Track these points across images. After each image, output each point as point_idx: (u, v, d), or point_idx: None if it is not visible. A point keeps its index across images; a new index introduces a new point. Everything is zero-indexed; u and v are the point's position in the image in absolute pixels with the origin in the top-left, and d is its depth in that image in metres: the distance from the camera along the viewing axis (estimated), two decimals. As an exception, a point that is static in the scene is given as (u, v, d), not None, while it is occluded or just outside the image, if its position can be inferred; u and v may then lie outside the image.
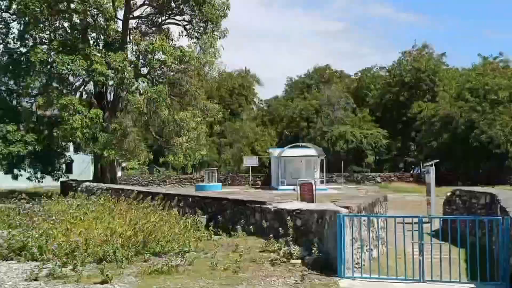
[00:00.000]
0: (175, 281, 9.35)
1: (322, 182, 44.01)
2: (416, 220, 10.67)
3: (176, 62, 31.77)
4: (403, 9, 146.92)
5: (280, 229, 12.12)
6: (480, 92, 49.02)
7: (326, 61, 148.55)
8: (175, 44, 35.11)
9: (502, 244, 9.30)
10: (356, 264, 10.64)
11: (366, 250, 11.26)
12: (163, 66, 32.87)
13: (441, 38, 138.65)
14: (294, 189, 27.95)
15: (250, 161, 51.98)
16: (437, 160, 27.58)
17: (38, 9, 30.15)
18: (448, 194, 20.27)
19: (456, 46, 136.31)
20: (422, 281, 9.51)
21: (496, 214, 12.47)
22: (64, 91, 33.36)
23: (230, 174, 58.88)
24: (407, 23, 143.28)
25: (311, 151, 47.69)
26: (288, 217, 12.01)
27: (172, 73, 33.84)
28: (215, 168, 51.87)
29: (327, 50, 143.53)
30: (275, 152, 49.77)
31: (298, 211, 12.07)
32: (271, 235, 12.08)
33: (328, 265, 10.23)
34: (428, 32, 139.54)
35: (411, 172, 60.31)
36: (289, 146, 48.97)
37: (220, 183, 46.67)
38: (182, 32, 36.31)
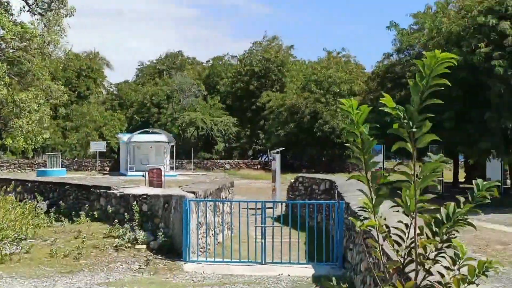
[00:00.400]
0: (8, 270, 8.73)
1: (172, 168, 43.88)
2: (261, 205, 10.98)
3: (17, 38, 29.56)
4: (255, 0, 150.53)
5: (126, 214, 11.82)
6: (325, 84, 51.67)
7: (180, 47, 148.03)
8: (15, 20, 32.60)
9: (337, 226, 9.88)
10: (202, 248, 10.71)
11: (212, 234, 11.38)
12: (1, 43, 30.41)
13: (291, 31, 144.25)
14: (143, 175, 27.49)
15: (97, 146, 50.25)
16: (283, 148, 28.64)
17: None
18: (292, 180, 21.18)
19: (304, 39, 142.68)
20: (263, 263, 9.81)
21: (334, 199, 13.24)
22: None
23: (76, 159, 56.38)
24: (258, 13, 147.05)
25: (161, 137, 47.23)
26: (134, 202, 11.75)
27: (12, 51, 31.44)
28: (60, 153, 49.36)
29: (181, 36, 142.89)
30: (124, 137, 48.58)
31: (144, 196, 11.85)
32: (116, 221, 11.74)
33: (173, 249, 10.19)
34: (278, 24, 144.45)
35: (259, 159, 62.15)
36: (138, 131, 48.04)
37: (65, 169, 44.57)
38: (24, 7, 33.81)
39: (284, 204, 16.60)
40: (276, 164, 22.91)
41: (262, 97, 58.58)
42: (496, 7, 20.33)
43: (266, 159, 57.72)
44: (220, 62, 73.63)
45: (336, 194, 13.20)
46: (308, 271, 9.57)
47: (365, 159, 2.81)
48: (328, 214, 11.21)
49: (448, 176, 31.56)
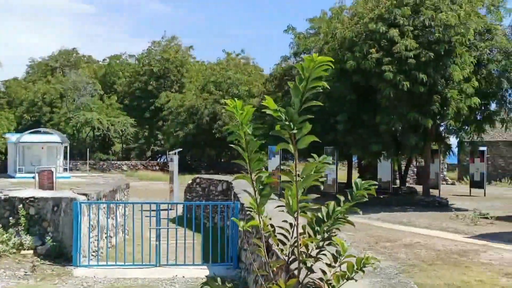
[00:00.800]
0: None
1: (65, 170, 42.40)
2: (155, 206, 10.83)
3: None
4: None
5: (11, 218, 11.19)
6: (224, 86, 51.97)
7: (75, 44, 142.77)
8: None
9: (232, 227, 9.95)
10: (94, 252, 10.39)
11: (105, 237, 11.07)
12: None
13: (190, 31, 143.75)
14: (34, 177, 26.28)
15: (-19, 147, 47.43)
16: (181, 149, 28.47)
17: None
18: (189, 181, 21.10)
19: (204, 40, 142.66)
20: (158, 265, 9.69)
21: (230, 199, 13.33)
22: None
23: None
24: (158, 12, 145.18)
25: (54, 137, 45.33)
26: (21, 205, 11.16)
27: None
28: None
29: (76, 33, 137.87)
30: (13, 137, 46.15)
31: (32, 199, 11.27)
32: (0, 226, 11.10)
33: (63, 254, 9.81)
34: (178, 24, 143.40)
35: (158, 160, 61.35)
36: (29, 131, 45.81)
37: None
38: None
39: (181, 206, 16.49)
40: (174, 165, 22.68)
41: (161, 98, 57.91)
42: (386, 15, 21.37)
43: (165, 160, 57.10)
44: (118, 61, 71.89)
45: (232, 195, 13.30)
46: (203, 272, 9.56)
47: (250, 159, 2.85)
48: (224, 215, 11.27)
49: (342, 177, 32.77)
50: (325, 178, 34.57)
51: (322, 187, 2.81)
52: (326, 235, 2.95)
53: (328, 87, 2.68)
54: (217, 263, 9.93)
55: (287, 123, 2.61)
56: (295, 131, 2.62)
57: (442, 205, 22.44)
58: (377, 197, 26.44)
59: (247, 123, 2.74)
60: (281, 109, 2.61)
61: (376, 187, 3.03)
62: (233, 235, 9.95)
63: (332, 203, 2.96)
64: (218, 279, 2.95)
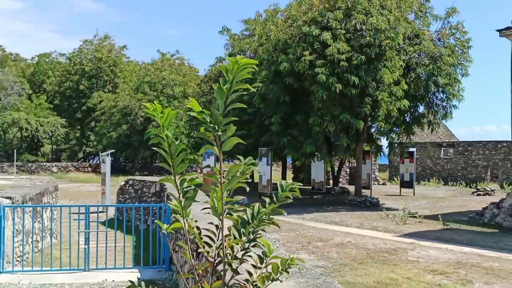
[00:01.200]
0: None
1: (-9, 172, 40.78)
2: (91, 209, 10.56)
3: None
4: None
5: None
6: (158, 86, 51.43)
7: (1, 41, 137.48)
8: None
9: (165, 229, 9.83)
10: (19, 257, 10.01)
11: (31, 242, 10.69)
12: None
13: (124, 31, 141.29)
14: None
15: None
16: (114, 150, 27.93)
17: None
18: (122, 183, 20.74)
19: (138, 40, 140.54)
20: (87, 270, 9.45)
21: (164, 201, 13.18)
22: None
23: None
24: (90, 11, 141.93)
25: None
26: None
27: None
28: None
29: (2, 30, 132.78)
30: None
31: (-48, 203, 10.76)
32: None
33: (-15, 260, 9.38)
34: (111, 23, 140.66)
35: (90, 162, 59.98)
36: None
37: None
38: None
39: (113, 208, 16.15)
40: (106, 167, 22.23)
41: (93, 98, 56.65)
42: (319, 18, 21.71)
43: (97, 161, 55.88)
44: (47, 60, 69.70)
45: (165, 197, 13.16)
46: (134, 275, 9.39)
47: (173, 162, 2.81)
48: (156, 217, 11.13)
49: (277, 177, 33.09)
50: (250, 180, 34.89)
51: (248, 189, 2.80)
52: (251, 236, 2.95)
53: (253, 89, 2.68)
54: (149, 266, 9.78)
55: (211, 125, 2.59)
56: (219, 133, 2.61)
57: (373, 205, 23.01)
58: (311, 197, 26.93)
59: (168, 126, 2.71)
60: (206, 111, 2.59)
61: (300, 186, 3.05)
62: (165, 238, 9.83)
63: (257, 205, 2.96)
64: (142, 283, 2.89)
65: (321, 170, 27.64)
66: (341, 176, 36.50)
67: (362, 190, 25.74)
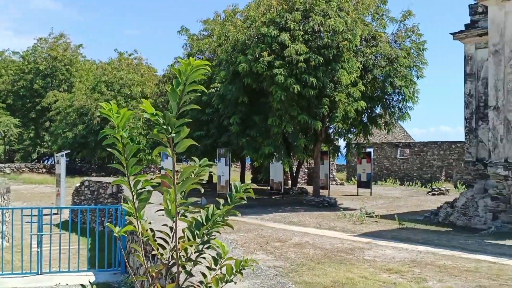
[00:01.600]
0: None
1: None
2: (44, 212, 10.33)
3: None
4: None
5: None
6: (115, 86, 50.72)
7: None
8: None
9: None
10: (-31, 262, 9.72)
11: (-18, 245, 10.40)
12: None
13: (81, 29, 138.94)
14: None
15: None
16: (69, 151, 27.43)
17: None
18: (78, 184, 20.38)
19: (95, 39, 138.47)
20: (39, 273, 9.24)
21: (120, 203, 13.01)
22: None
23: None
24: (45, 9, 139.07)
25: None
26: None
27: None
28: None
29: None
30: None
31: None
32: None
33: None
34: (67, 22, 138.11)
35: (44, 163, 58.72)
36: None
37: None
38: None
39: (67, 210, 15.85)
40: (61, 168, 21.80)
41: (48, 97, 55.45)
42: (277, 19, 21.80)
43: (52, 162, 54.71)
44: (0, 58, 67.88)
45: (122, 198, 12.99)
46: (88, 278, 9.24)
47: (127, 163, 2.78)
48: (112, 219, 10.97)
49: (236, 178, 33.07)
50: (207, 181, 34.87)
51: (202, 190, 2.80)
52: (205, 238, 2.94)
53: (206, 90, 2.67)
54: (104, 268, 9.64)
55: (164, 127, 2.58)
56: (173, 135, 2.59)
57: (331, 205, 23.22)
58: (270, 198, 27.04)
59: (124, 126, 2.67)
60: (159, 113, 2.57)
61: (256, 187, 3.05)
62: (120, 240, 9.70)
63: (211, 206, 2.96)
64: (94, 286, 2.85)
65: (280, 170, 27.78)
66: (299, 176, 36.76)
67: (320, 190, 25.98)
